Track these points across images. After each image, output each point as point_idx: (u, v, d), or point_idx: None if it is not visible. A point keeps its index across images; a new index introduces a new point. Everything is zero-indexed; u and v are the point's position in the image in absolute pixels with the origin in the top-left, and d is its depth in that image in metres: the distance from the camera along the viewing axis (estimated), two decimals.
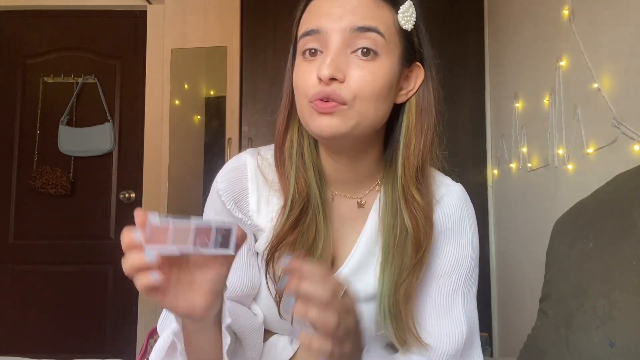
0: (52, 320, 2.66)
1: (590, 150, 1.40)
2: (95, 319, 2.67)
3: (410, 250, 0.71)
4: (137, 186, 2.71)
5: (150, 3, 2.72)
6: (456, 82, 2.40)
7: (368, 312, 0.74)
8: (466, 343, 0.75)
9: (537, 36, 1.80)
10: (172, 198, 2.59)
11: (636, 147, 1.18)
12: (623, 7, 1.26)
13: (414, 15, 0.70)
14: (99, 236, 2.72)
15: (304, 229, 0.72)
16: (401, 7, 0.69)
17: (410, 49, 0.71)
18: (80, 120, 2.73)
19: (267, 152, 0.79)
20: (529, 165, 1.86)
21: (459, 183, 0.80)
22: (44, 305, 2.67)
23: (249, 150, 0.81)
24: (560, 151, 1.59)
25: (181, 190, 2.62)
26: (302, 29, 0.69)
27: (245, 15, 2.48)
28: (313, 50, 0.67)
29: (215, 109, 2.62)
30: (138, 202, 2.71)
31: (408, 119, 0.72)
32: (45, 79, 2.74)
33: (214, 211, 0.79)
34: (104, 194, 2.74)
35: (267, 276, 0.74)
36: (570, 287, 0.88)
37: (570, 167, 1.53)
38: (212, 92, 2.66)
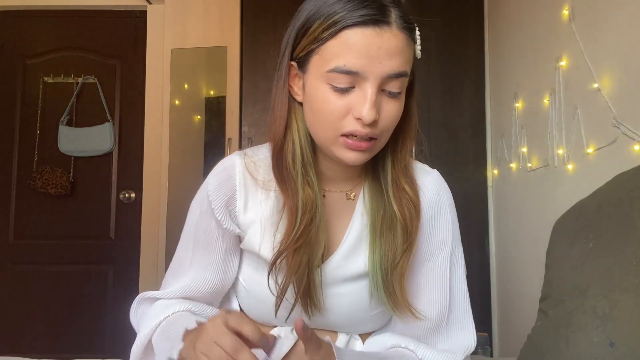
0: (52, 320, 2.65)
1: (590, 150, 1.40)
2: (95, 319, 2.67)
3: (400, 236, 0.76)
4: (137, 186, 2.71)
5: (150, 3, 2.72)
6: (456, 82, 2.40)
7: (361, 288, 0.80)
8: (453, 316, 0.81)
9: (537, 36, 1.80)
10: (172, 198, 2.58)
11: (636, 147, 1.18)
12: (623, 7, 1.27)
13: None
14: (99, 236, 2.72)
15: (312, 234, 0.75)
16: (417, 38, 0.71)
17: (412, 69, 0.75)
18: (80, 120, 2.73)
19: (253, 151, 0.83)
20: (529, 165, 1.86)
21: (435, 170, 0.85)
22: (44, 305, 2.66)
23: (236, 152, 0.84)
24: (560, 151, 1.59)
25: (181, 190, 2.61)
26: (335, 61, 0.66)
27: (245, 15, 2.48)
28: (345, 88, 0.68)
29: (215, 109, 2.62)
30: (138, 202, 2.71)
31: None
32: (45, 79, 2.74)
33: (199, 211, 0.82)
34: (104, 194, 2.74)
35: (269, 279, 0.77)
36: (570, 287, 0.88)
37: (570, 167, 1.53)
38: (212, 92, 2.66)
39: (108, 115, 2.73)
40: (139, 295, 0.86)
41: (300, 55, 0.72)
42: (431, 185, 0.82)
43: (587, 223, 0.93)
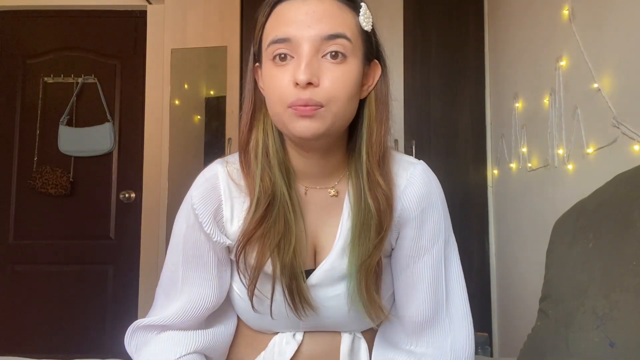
0: (52, 320, 2.65)
1: (590, 150, 1.40)
2: (95, 319, 2.67)
3: (373, 232, 0.75)
4: (137, 186, 2.71)
5: (150, 3, 2.72)
6: (456, 82, 2.40)
7: (343, 289, 0.80)
8: (451, 308, 0.81)
9: (537, 36, 1.80)
10: (172, 198, 2.59)
11: (636, 147, 1.18)
12: (623, 7, 1.26)
13: (371, 16, 0.74)
14: (99, 236, 2.72)
15: (270, 224, 0.75)
16: (361, 10, 0.72)
17: (370, 48, 0.75)
18: (80, 120, 2.73)
19: (234, 157, 0.83)
20: (529, 165, 1.86)
21: (421, 160, 0.84)
22: (44, 305, 2.66)
23: (218, 160, 0.84)
24: (560, 151, 1.59)
25: (181, 190, 2.61)
26: (269, 36, 0.70)
27: (245, 15, 2.48)
28: (283, 55, 0.69)
29: (215, 109, 2.62)
30: (138, 202, 2.71)
31: (369, 111, 0.77)
32: (45, 79, 2.74)
33: (186, 225, 0.81)
34: (104, 194, 2.74)
35: (239, 271, 0.78)
36: (570, 287, 0.88)
37: (570, 167, 1.53)
38: (212, 92, 2.66)
39: (108, 115, 2.73)
40: (133, 324, 0.83)
41: (255, 49, 0.75)
42: (419, 178, 0.80)
43: (587, 223, 0.93)
